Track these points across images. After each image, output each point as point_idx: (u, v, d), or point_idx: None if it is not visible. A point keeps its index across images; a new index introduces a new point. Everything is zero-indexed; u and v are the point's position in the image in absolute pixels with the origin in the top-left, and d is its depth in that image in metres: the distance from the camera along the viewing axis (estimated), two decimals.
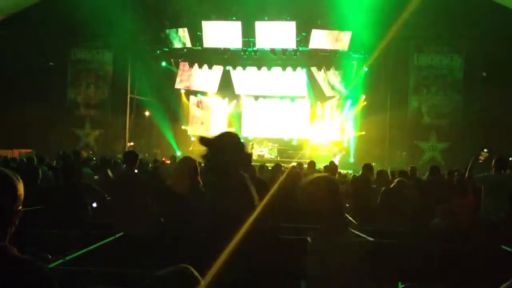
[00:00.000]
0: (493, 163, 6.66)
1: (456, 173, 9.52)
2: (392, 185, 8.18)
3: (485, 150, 6.87)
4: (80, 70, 24.26)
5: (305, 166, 12.43)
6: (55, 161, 12.39)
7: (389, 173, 11.56)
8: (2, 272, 1.65)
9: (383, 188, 8.21)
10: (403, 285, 3.46)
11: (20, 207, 1.79)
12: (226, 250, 3.64)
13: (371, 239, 5.26)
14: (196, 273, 1.79)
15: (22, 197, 1.79)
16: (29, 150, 18.42)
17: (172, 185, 4.54)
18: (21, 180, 1.80)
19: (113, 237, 4.60)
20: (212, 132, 26.55)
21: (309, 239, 4.86)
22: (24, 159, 11.73)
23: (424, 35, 21.76)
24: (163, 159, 16.06)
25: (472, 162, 6.82)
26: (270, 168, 12.06)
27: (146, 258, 3.70)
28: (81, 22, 19.71)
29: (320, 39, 21.97)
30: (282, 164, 10.75)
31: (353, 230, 5.88)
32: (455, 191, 7.33)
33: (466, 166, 7.00)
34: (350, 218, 7.76)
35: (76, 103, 24.19)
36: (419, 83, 22.36)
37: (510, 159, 7.58)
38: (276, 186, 5.61)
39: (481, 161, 6.82)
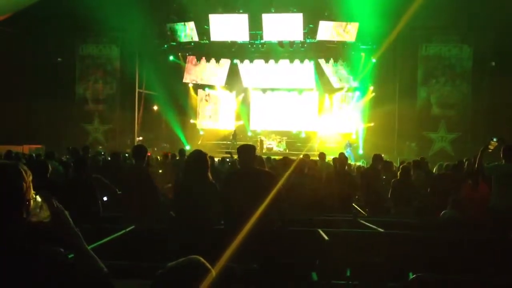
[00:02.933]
0: (501, 153, 6.61)
1: (466, 163, 9.47)
2: (398, 173, 8.18)
3: (494, 139, 6.81)
4: (88, 65, 24.33)
5: (314, 158, 12.46)
6: (65, 157, 12.47)
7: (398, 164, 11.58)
8: (16, 264, 1.67)
9: (392, 180, 8.21)
10: (414, 275, 3.45)
11: (29, 197, 1.81)
12: (237, 239, 3.67)
13: (381, 230, 5.25)
14: (207, 264, 1.81)
15: (31, 188, 1.81)
16: (39, 146, 18.53)
17: (186, 178, 4.56)
18: (29, 171, 1.81)
19: (123, 231, 4.63)
20: (221, 125, 26.62)
21: (319, 230, 4.88)
22: (33, 154, 11.82)
23: (432, 25, 21.57)
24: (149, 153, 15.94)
25: (482, 151, 6.77)
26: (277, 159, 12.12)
27: (157, 251, 3.73)
28: (89, 18, 19.70)
29: (327, 30, 21.86)
30: (291, 157, 10.80)
31: (362, 221, 5.90)
32: (466, 181, 7.30)
33: (476, 156, 6.95)
34: (359, 209, 7.78)
35: (84, 99, 24.29)
36: (428, 73, 22.22)
37: None
38: (284, 177, 5.61)
39: (490, 150, 6.77)
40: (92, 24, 20.99)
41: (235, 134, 24.91)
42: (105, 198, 6.85)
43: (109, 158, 11.86)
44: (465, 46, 21.79)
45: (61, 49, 23.21)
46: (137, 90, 23.65)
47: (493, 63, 20.92)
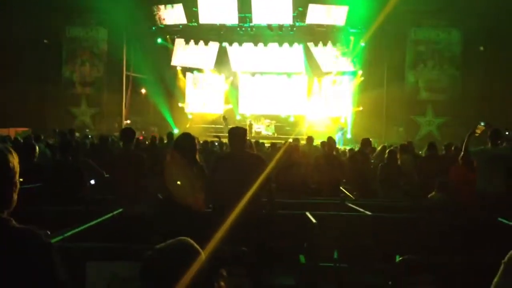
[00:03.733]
0: (488, 136, 6.66)
1: (453, 147, 9.54)
2: (385, 157, 8.23)
3: (482, 123, 6.85)
4: (74, 47, 24.08)
5: (303, 142, 12.49)
6: (52, 139, 12.38)
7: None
8: (4, 243, 1.66)
9: (380, 164, 8.27)
10: (400, 258, 3.48)
11: (15, 179, 1.79)
12: (226, 223, 3.67)
13: (369, 213, 5.29)
14: (196, 246, 1.81)
15: (17, 169, 1.79)
16: (26, 129, 18.35)
17: (172, 161, 4.54)
18: (14, 152, 1.79)
19: (111, 214, 4.61)
20: (209, 109, 26.54)
21: (307, 213, 4.90)
22: (19, 138, 11.70)
23: (422, 9, 21.59)
24: (141, 137, 15.87)
25: (469, 135, 6.82)
26: (266, 145, 12.15)
27: (145, 234, 3.72)
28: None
29: (316, 14, 21.78)
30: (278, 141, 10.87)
31: (350, 204, 5.93)
32: (452, 165, 7.35)
33: (463, 140, 7.00)
34: (347, 193, 7.82)
35: (71, 81, 24.08)
36: (416, 57, 22.30)
37: (506, 133, 7.56)
38: (273, 162, 5.61)
39: (477, 134, 6.82)
40: (79, 5, 20.77)
41: (225, 118, 24.86)
42: (92, 181, 6.81)
43: (96, 142, 11.78)
44: (454, 31, 21.86)
45: (47, 31, 22.88)
46: (124, 73, 23.45)
47: (482, 48, 21.01)
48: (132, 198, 5.49)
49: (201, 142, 12.52)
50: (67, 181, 5.69)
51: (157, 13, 22.95)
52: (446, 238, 4.57)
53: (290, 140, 10.40)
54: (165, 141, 11.69)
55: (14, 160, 1.79)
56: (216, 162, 4.91)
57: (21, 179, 1.85)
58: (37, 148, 6.58)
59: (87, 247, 3.46)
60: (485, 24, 19.64)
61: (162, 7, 22.74)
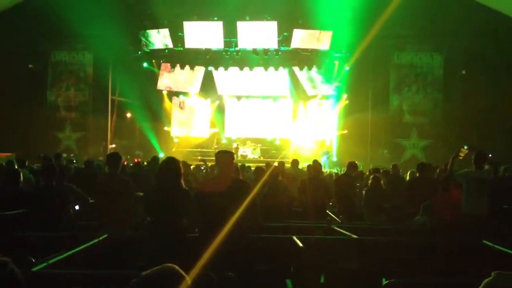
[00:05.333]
0: (472, 159, 6.75)
1: (438, 170, 9.63)
2: (369, 183, 8.29)
3: (465, 146, 6.96)
4: (60, 72, 24.01)
5: (288, 165, 12.51)
6: (36, 165, 12.25)
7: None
8: None
9: (364, 189, 8.34)
10: (386, 281, 3.49)
11: None
12: (212, 247, 3.66)
13: (355, 236, 5.30)
14: (181, 272, 1.81)
15: None
16: (10, 154, 18.14)
17: (159, 185, 4.54)
18: None
19: (97, 239, 4.57)
20: (195, 133, 26.54)
21: (294, 237, 4.90)
22: (3, 163, 11.56)
23: (404, 34, 21.96)
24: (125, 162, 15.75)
25: (453, 158, 6.91)
26: (252, 169, 12.14)
27: (131, 259, 3.69)
28: (61, 24, 19.42)
29: (301, 38, 22.04)
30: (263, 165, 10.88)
31: (336, 228, 5.94)
32: (437, 188, 7.41)
33: (447, 163, 7.09)
34: (333, 216, 7.83)
35: (56, 106, 23.94)
36: (400, 81, 22.58)
37: (490, 155, 7.68)
38: (258, 186, 5.62)
39: (461, 157, 6.91)
40: (64, 30, 20.70)
41: (218, 142, 24.79)
42: (77, 207, 6.74)
43: (82, 166, 11.68)
44: (436, 55, 22.23)
45: (32, 55, 22.83)
46: (110, 97, 23.39)
47: (464, 71, 21.38)
48: (117, 223, 5.45)
49: (192, 166, 12.50)
50: (51, 206, 5.64)
51: (144, 38, 23.05)
52: (432, 261, 4.59)
53: (276, 164, 10.40)
54: (150, 165, 11.62)
55: None
56: (201, 186, 4.91)
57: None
58: (21, 174, 6.52)
59: (72, 273, 3.42)
60: (467, 48, 20.00)
61: (148, 31, 22.84)
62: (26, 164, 10.81)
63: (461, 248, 4.97)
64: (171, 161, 4.62)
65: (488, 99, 19.18)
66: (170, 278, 1.75)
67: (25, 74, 22.54)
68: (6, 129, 20.70)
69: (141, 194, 6.07)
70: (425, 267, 4.46)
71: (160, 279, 1.74)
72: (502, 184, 8.51)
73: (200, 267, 2.88)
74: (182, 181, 4.56)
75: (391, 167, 11.26)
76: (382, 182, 8.35)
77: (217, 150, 19.93)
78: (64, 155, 15.93)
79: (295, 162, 11.67)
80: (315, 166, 8.61)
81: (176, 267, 1.82)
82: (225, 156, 4.76)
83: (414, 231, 6.42)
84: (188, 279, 1.79)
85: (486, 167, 6.84)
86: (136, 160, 13.19)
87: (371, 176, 8.54)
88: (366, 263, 4.67)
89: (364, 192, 8.25)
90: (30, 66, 22.95)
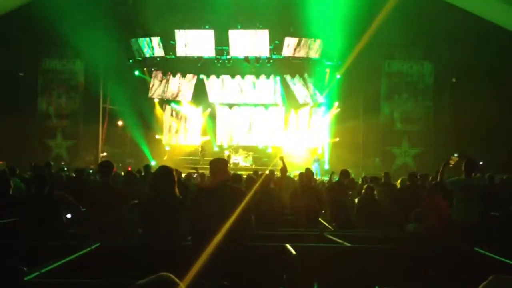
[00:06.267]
0: (463, 167, 6.80)
1: (430, 178, 9.69)
2: (363, 192, 8.33)
3: (455, 154, 7.02)
4: (51, 80, 23.99)
5: (278, 174, 12.47)
6: (27, 174, 12.17)
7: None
8: None
9: (357, 198, 8.36)
10: None
11: None
12: (205, 255, 3.65)
13: (348, 244, 5.31)
14: (176, 280, 1.81)
15: None
16: (1, 162, 18.05)
17: (154, 194, 4.53)
18: None
19: (89, 248, 4.54)
20: (187, 141, 26.49)
21: (287, 245, 4.90)
22: None
23: (394, 42, 22.16)
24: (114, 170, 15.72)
25: (443, 166, 6.95)
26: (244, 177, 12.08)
27: (125, 269, 3.67)
28: (52, 32, 19.44)
29: (292, 47, 22.16)
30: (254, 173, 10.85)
31: (329, 236, 5.95)
32: (428, 195, 7.45)
33: (438, 171, 7.13)
34: (326, 224, 7.84)
35: (47, 114, 23.90)
36: (391, 89, 22.74)
37: (481, 163, 7.74)
38: (250, 194, 5.62)
39: (451, 165, 6.96)
40: (55, 38, 20.72)
41: (203, 150, 24.85)
42: (68, 215, 6.71)
43: (73, 175, 11.62)
44: (426, 63, 22.43)
45: (23, 63, 22.78)
46: (101, 105, 23.35)
47: (454, 79, 21.56)
48: (110, 231, 5.42)
49: (184, 175, 12.46)
50: (43, 215, 5.60)
51: (135, 46, 23.06)
52: (423, 269, 4.60)
53: (267, 172, 10.37)
54: (143, 173, 11.59)
55: None
56: (196, 194, 4.90)
57: None
58: (11, 182, 6.48)
59: (66, 282, 3.40)
60: (457, 56, 20.18)
61: (139, 39, 22.86)
62: (17, 172, 10.73)
63: (452, 255, 4.99)
64: (165, 170, 4.62)
65: (479, 106, 19.34)
66: (165, 287, 1.76)
67: (16, 81, 22.45)
68: None
69: (135, 202, 6.07)
70: (417, 275, 4.48)
71: (155, 287, 1.75)
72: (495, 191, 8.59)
73: (194, 276, 2.87)
74: (177, 189, 4.56)
75: (383, 174, 11.28)
76: (375, 191, 8.38)
77: (201, 159, 19.88)
78: (52, 163, 15.82)
79: (283, 171, 11.62)
80: (307, 174, 8.63)
81: (171, 275, 1.82)
82: (219, 164, 4.75)
83: (406, 239, 6.44)
84: (183, 287, 1.80)
85: (477, 175, 6.89)
86: (129, 169, 13.13)
87: (365, 186, 8.56)
88: (359, 271, 4.67)
89: (356, 200, 8.27)
90: (20, 74, 22.87)
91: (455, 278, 4.34)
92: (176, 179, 4.62)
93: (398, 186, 10.02)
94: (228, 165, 19.50)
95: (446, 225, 6.67)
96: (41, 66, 23.87)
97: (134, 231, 4.82)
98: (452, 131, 20.50)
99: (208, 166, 4.90)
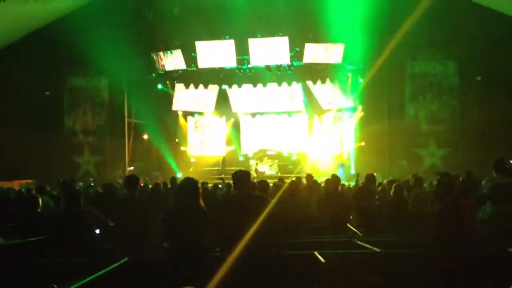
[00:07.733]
0: (493, 166, 6.65)
1: (461, 178, 9.49)
2: (391, 193, 8.21)
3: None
4: (76, 97, 24.40)
5: (304, 180, 12.39)
6: (57, 191, 12.35)
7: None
8: None
9: (387, 199, 8.24)
10: None
11: None
12: (233, 264, 3.62)
13: (378, 249, 5.22)
14: None
15: None
16: (29, 181, 18.38)
17: (178, 206, 4.52)
18: None
19: (118, 263, 4.56)
20: (212, 151, 26.59)
21: (316, 253, 4.84)
22: (23, 190, 11.66)
23: (417, 43, 21.88)
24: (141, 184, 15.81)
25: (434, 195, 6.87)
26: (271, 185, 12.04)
27: (152, 282, 3.67)
28: (75, 50, 19.84)
29: (313, 52, 22.06)
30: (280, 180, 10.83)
31: (358, 242, 5.86)
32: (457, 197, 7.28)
33: (467, 170, 7.00)
34: (354, 230, 7.73)
35: (74, 131, 24.28)
36: (415, 90, 22.47)
37: (511, 161, 7.56)
38: (275, 200, 5.58)
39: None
40: (79, 56, 21.08)
41: (224, 160, 24.94)
42: (97, 231, 6.76)
43: (100, 190, 11.74)
44: (449, 62, 22.12)
45: (48, 82, 23.20)
46: (126, 120, 23.64)
47: (479, 78, 21.18)
48: (137, 245, 5.44)
49: (210, 185, 12.49)
50: (72, 231, 5.65)
51: (157, 60, 23.29)
52: (454, 271, 4.49)
53: (293, 179, 10.31)
54: (169, 186, 11.64)
55: None
56: (222, 204, 4.89)
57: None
58: (39, 200, 6.56)
59: None
60: (480, 55, 19.85)
61: (161, 53, 23.10)
62: (48, 189, 10.89)
63: (487, 256, 4.85)
64: (189, 181, 4.62)
65: (504, 104, 18.96)
66: None
67: (42, 100, 22.89)
68: (26, 156, 21.00)
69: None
70: (452, 278, 4.37)
71: None
72: None
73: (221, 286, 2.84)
74: (201, 201, 4.56)
75: (411, 177, 11.09)
76: (404, 192, 8.27)
77: (223, 170, 19.99)
78: (80, 184, 16.06)
79: (309, 177, 11.56)
80: (333, 180, 8.54)
81: None
82: (242, 176, 4.77)
83: (437, 242, 6.29)
84: None
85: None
86: (158, 182, 13.22)
87: (393, 186, 8.46)
88: (390, 277, 4.58)
89: (386, 203, 8.14)
90: (46, 93, 23.29)
91: (490, 279, 4.22)
92: (200, 190, 4.61)
93: (427, 189, 9.87)
94: (254, 174, 19.60)
95: (472, 226, 6.51)
96: (66, 84, 24.30)
97: (159, 244, 4.81)
98: (479, 130, 20.12)
99: (231, 177, 4.92)
